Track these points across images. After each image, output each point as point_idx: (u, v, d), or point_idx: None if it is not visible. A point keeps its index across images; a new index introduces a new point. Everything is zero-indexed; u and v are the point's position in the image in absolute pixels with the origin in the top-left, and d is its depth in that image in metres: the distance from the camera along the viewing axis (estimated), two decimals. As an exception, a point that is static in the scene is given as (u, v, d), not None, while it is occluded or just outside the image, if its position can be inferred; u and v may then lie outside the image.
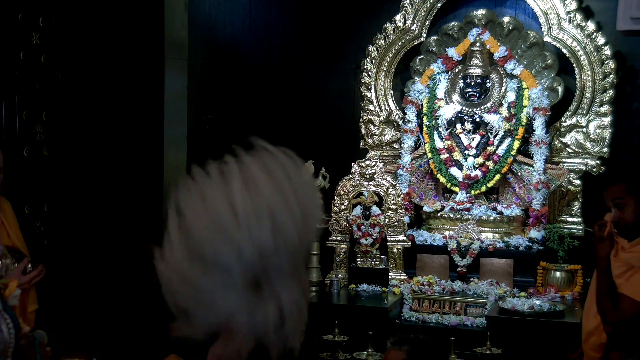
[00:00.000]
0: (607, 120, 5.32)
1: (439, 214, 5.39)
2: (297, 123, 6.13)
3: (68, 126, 4.55)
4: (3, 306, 2.23)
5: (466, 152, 5.41)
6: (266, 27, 6.36)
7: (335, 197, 5.12)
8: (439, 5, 5.75)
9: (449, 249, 5.07)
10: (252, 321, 1.12)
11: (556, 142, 5.42)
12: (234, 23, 6.09)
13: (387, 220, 5.03)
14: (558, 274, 4.85)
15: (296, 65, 6.30)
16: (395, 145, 5.81)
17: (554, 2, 5.37)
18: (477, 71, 5.40)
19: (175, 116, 5.28)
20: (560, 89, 5.45)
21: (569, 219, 5.38)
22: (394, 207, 5.06)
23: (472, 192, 5.37)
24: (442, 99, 5.52)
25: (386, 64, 5.87)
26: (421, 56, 5.81)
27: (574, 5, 5.35)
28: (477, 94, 5.41)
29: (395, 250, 5.03)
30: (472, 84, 5.41)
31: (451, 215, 5.32)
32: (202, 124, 5.58)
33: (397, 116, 5.83)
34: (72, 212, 4.58)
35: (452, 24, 5.72)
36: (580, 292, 4.70)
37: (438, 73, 5.58)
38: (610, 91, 5.31)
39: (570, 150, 5.40)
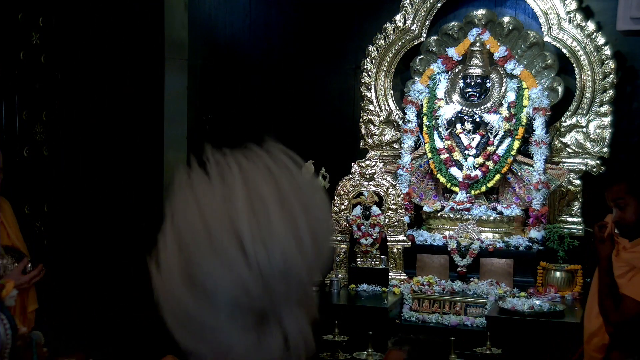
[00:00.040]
0: (607, 120, 5.32)
1: (439, 214, 5.39)
2: (297, 123, 6.12)
3: (68, 126, 4.55)
4: (0, 307, 2.22)
5: (466, 152, 5.41)
6: (266, 27, 6.36)
7: (335, 197, 5.12)
8: (439, 5, 5.75)
9: (449, 249, 5.07)
10: (254, 356, 1.02)
11: (556, 142, 5.42)
12: (234, 23, 6.09)
13: (387, 220, 5.03)
14: (558, 274, 4.84)
15: (296, 65, 6.30)
16: (395, 145, 5.81)
17: (554, 2, 5.37)
18: (477, 71, 5.40)
19: (175, 116, 5.28)
20: (560, 89, 5.45)
21: (569, 219, 5.38)
22: (394, 207, 5.06)
23: (472, 192, 5.37)
24: (442, 99, 5.52)
25: (386, 64, 5.87)
26: (421, 56, 5.81)
27: (574, 5, 5.34)
28: (477, 94, 5.41)
29: (395, 250, 5.03)
30: (472, 84, 5.41)
31: (451, 215, 5.32)
32: (202, 124, 5.58)
33: (397, 116, 5.83)
34: (72, 212, 4.58)
35: (452, 24, 5.72)
36: (580, 292, 4.70)
37: (438, 73, 5.58)
38: (610, 91, 5.31)
39: (570, 150, 5.40)
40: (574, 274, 4.85)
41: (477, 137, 5.40)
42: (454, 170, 5.41)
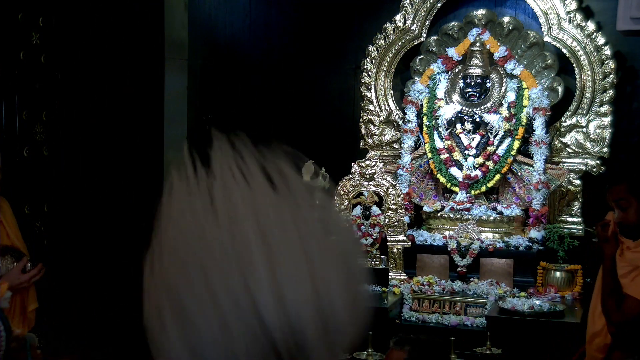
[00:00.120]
0: (607, 120, 5.31)
1: (439, 214, 5.38)
2: (297, 123, 6.12)
3: (68, 126, 4.55)
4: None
5: (466, 152, 5.41)
6: (266, 27, 6.36)
7: (335, 197, 5.12)
8: (439, 5, 5.75)
9: (449, 249, 5.07)
10: None
11: (556, 142, 5.41)
12: (234, 23, 6.09)
13: (387, 220, 5.03)
14: (558, 274, 4.84)
15: (296, 65, 6.30)
16: (395, 145, 5.81)
17: (554, 2, 5.37)
18: (477, 71, 5.40)
19: (175, 116, 5.28)
20: (560, 89, 5.44)
21: (569, 219, 5.38)
22: (394, 207, 5.06)
23: (472, 192, 5.37)
24: (442, 99, 5.51)
25: (386, 64, 5.87)
26: (421, 56, 5.81)
27: (574, 5, 5.34)
28: (477, 94, 5.41)
29: (395, 250, 5.03)
30: (472, 84, 5.41)
31: (451, 215, 5.32)
32: (202, 124, 5.58)
33: (397, 116, 5.82)
34: (72, 212, 4.58)
35: (452, 24, 5.72)
36: (580, 292, 4.70)
37: (438, 73, 5.57)
38: (610, 91, 5.30)
39: (570, 150, 5.40)
40: (574, 274, 4.84)
41: (477, 137, 5.40)
42: (454, 170, 5.41)
